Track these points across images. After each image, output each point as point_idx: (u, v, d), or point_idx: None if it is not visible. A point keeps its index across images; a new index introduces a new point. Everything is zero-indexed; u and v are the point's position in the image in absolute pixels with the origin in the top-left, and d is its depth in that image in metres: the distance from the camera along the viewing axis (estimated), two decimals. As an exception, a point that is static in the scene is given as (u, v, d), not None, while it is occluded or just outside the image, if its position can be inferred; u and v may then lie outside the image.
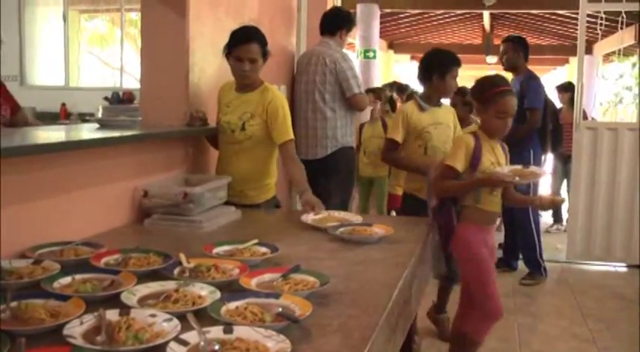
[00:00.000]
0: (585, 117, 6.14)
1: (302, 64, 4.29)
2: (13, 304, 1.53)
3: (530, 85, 4.95)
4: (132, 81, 8.55)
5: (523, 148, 4.88)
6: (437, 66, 3.42)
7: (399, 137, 3.40)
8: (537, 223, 5.12)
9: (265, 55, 3.08)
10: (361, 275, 2.03)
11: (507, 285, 4.90)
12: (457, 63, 3.46)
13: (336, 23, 4.27)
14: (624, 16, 5.71)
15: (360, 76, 4.32)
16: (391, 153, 3.49)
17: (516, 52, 5.05)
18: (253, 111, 3.07)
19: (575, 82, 5.86)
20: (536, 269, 5.09)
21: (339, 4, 5.37)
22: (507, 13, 12.99)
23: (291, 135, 3.09)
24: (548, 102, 5.08)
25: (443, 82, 3.42)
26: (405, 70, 16.08)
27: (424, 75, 3.46)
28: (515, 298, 4.57)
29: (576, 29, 6.18)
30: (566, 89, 7.29)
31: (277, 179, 3.27)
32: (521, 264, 5.26)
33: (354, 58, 10.38)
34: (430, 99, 3.46)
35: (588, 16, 5.55)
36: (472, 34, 16.05)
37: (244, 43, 3.01)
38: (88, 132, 2.85)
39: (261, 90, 3.10)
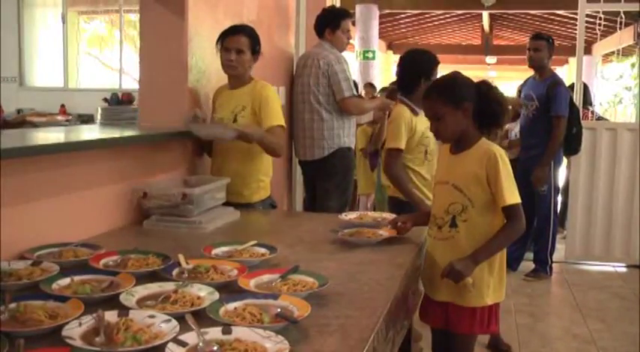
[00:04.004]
0: (586, 117, 6.13)
1: (299, 66, 4.28)
2: (12, 305, 1.53)
3: (558, 91, 4.95)
4: (131, 82, 8.55)
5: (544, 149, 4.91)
6: (425, 68, 3.25)
7: (403, 145, 3.20)
8: (556, 220, 5.16)
9: (255, 51, 3.14)
10: (360, 275, 2.02)
11: (507, 286, 4.88)
12: (438, 62, 3.33)
13: (320, 24, 4.23)
14: (623, 16, 5.71)
15: (354, 78, 4.25)
16: (397, 166, 3.22)
17: (549, 51, 5.05)
18: (245, 103, 3.12)
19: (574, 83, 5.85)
20: (543, 266, 5.13)
21: (337, 4, 5.36)
22: (506, 14, 13.01)
23: (280, 121, 3.10)
24: (573, 106, 5.09)
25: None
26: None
27: (411, 78, 3.28)
28: (514, 298, 4.57)
29: (575, 29, 6.18)
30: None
31: (272, 178, 3.28)
32: (522, 263, 5.27)
33: (353, 59, 10.39)
34: (418, 102, 3.08)
35: (587, 16, 5.55)
36: (471, 34, 16.08)
37: (232, 34, 3.11)
38: (87, 133, 2.85)
39: (252, 85, 3.17)
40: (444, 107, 2.26)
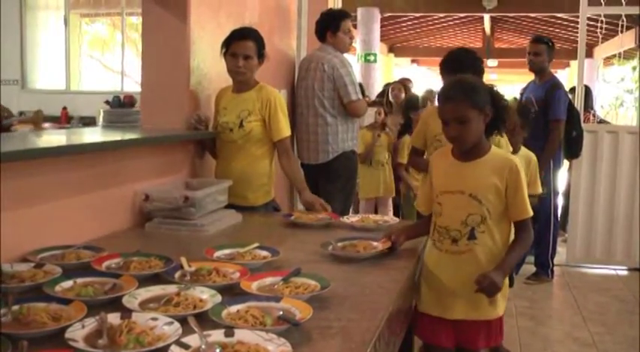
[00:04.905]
0: (588, 120, 6.13)
1: (302, 69, 4.28)
2: (15, 308, 1.53)
3: (556, 94, 4.96)
4: (133, 84, 8.55)
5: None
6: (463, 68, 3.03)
7: (417, 143, 3.32)
8: (556, 223, 5.16)
9: (261, 56, 3.15)
10: (361, 278, 2.03)
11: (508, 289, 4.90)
12: (481, 68, 3.24)
13: (320, 28, 4.21)
14: (624, 19, 5.72)
15: (359, 80, 4.24)
16: (411, 158, 3.53)
17: (549, 55, 5.06)
18: (251, 108, 3.13)
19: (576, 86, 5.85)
20: (544, 269, 5.14)
21: (339, 7, 5.35)
22: (508, 17, 13.02)
23: (289, 132, 3.20)
24: (572, 109, 5.11)
25: None
26: (405, 73, 16.10)
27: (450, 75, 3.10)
28: (515, 301, 4.57)
29: (576, 32, 6.18)
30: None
31: (274, 182, 3.29)
32: (523, 267, 5.27)
33: (355, 61, 10.39)
34: None
35: (588, 19, 5.56)
36: (473, 37, 16.09)
37: (240, 40, 3.09)
38: (89, 136, 2.86)
39: (257, 89, 3.18)
40: (471, 111, 2.10)
